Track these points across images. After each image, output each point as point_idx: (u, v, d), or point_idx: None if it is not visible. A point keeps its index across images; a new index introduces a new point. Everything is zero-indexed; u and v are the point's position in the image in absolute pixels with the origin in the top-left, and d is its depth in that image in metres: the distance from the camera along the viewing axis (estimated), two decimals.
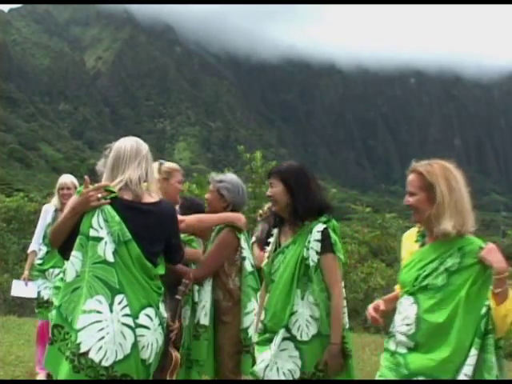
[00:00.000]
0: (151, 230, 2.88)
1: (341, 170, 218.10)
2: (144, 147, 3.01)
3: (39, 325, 5.50)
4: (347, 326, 3.22)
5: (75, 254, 2.81)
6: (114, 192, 2.86)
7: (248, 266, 3.76)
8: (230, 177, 3.97)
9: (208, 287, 3.75)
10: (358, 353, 7.22)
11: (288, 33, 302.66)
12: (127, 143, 2.98)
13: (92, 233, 2.80)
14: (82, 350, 2.69)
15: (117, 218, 2.81)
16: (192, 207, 3.92)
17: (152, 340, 2.82)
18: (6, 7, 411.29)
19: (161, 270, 2.95)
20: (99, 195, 2.82)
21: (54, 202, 5.71)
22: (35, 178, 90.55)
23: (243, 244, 3.79)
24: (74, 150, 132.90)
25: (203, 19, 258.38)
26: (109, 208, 2.83)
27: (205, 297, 3.73)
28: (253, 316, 3.65)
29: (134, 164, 2.92)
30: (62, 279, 3.51)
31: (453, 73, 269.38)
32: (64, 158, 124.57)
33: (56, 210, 5.59)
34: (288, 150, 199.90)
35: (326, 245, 3.08)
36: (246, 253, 3.77)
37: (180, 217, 3.41)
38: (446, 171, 2.94)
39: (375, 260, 13.91)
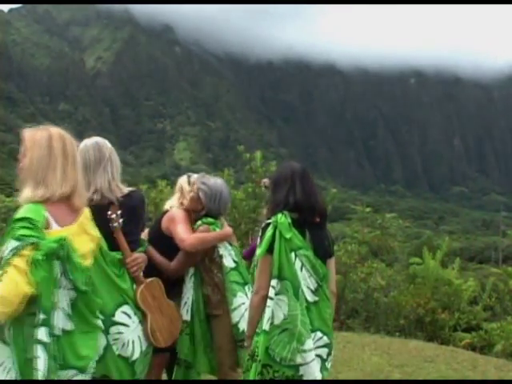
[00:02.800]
0: (122, 221, 2.96)
1: (341, 170, 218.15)
2: (106, 148, 3.08)
3: None
4: (264, 328, 3.00)
5: None
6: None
7: (228, 262, 3.79)
8: (214, 182, 3.93)
9: (190, 284, 3.78)
10: (358, 353, 7.21)
11: (288, 33, 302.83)
12: (89, 148, 3.05)
13: None
14: None
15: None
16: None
17: (133, 337, 2.81)
18: (6, 7, 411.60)
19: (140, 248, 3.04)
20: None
21: None
22: None
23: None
24: None
25: (203, 19, 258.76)
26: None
27: (187, 293, 3.76)
28: (241, 311, 3.69)
29: (100, 170, 3.01)
30: None
31: (453, 73, 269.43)
32: None
33: None
34: (288, 150, 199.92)
35: (260, 240, 3.12)
36: (222, 250, 3.81)
37: (182, 236, 3.66)
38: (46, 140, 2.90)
39: (375, 260, 13.89)
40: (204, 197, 3.86)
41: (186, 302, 3.75)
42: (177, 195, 4.07)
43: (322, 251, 3.22)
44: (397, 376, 6.16)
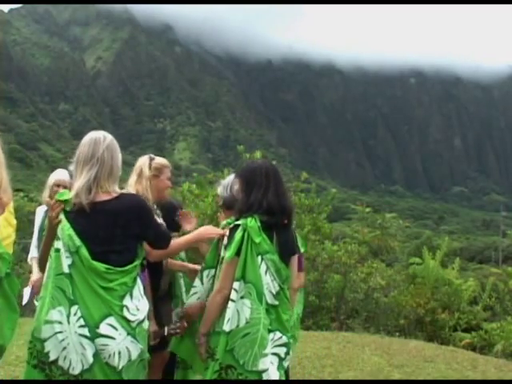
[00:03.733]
0: (103, 229, 2.78)
1: (341, 170, 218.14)
2: (101, 146, 2.88)
3: None
4: (224, 329, 3.02)
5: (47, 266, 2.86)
6: (66, 200, 2.81)
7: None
8: (229, 176, 3.89)
9: (181, 280, 3.80)
10: (358, 353, 7.21)
11: (288, 33, 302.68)
12: (85, 143, 2.91)
13: (55, 244, 2.81)
14: (51, 358, 2.71)
15: (66, 227, 2.77)
16: (165, 207, 3.72)
17: (120, 348, 2.73)
18: (6, 7, 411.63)
19: (130, 265, 2.82)
20: (54, 214, 2.82)
21: (46, 198, 4.87)
22: (35, 178, 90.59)
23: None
24: (74, 150, 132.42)
25: (203, 19, 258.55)
26: (63, 217, 2.80)
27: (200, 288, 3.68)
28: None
29: (86, 169, 2.85)
30: None
31: (453, 73, 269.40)
32: (64, 157, 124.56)
33: (47, 210, 4.71)
34: (288, 150, 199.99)
35: (228, 241, 3.13)
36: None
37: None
38: None
39: (375, 260, 13.91)
40: (219, 192, 3.84)
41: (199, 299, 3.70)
42: (133, 178, 3.64)
43: (287, 252, 3.23)
44: (397, 376, 6.16)
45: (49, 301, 2.75)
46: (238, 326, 3.01)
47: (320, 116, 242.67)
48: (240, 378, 3.01)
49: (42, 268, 3.04)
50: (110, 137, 2.93)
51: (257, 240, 3.06)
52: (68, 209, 2.82)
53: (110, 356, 2.72)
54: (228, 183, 3.77)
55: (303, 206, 11.35)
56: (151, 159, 3.66)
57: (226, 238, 3.17)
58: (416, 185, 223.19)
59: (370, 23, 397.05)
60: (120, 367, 2.75)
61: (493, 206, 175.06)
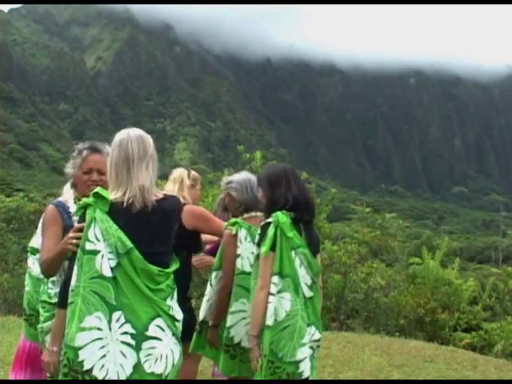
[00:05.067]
0: (153, 229, 2.66)
1: (341, 170, 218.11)
2: (149, 143, 2.78)
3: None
4: (268, 323, 3.10)
5: (74, 269, 2.65)
6: (105, 198, 2.63)
7: (240, 264, 3.68)
8: (238, 176, 3.90)
9: (217, 287, 3.84)
10: (358, 353, 7.22)
11: (288, 33, 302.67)
12: (133, 140, 2.73)
13: (88, 246, 2.59)
14: (86, 367, 2.54)
15: (114, 227, 2.59)
16: None
17: (166, 352, 2.64)
18: (6, 7, 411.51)
19: (173, 267, 2.76)
20: (74, 241, 2.65)
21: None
22: (35, 178, 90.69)
23: (241, 241, 3.71)
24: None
25: (203, 19, 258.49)
26: (104, 217, 2.60)
27: (212, 294, 3.83)
28: (238, 316, 3.65)
29: (143, 167, 2.68)
30: (48, 294, 3.28)
31: (452, 73, 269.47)
32: (64, 157, 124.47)
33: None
34: (288, 150, 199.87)
35: (261, 238, 3.21)
36: (240, 250, 3.69)
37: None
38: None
39: (375, 260, 13.92)
40: (236, 193, 3.82)
41: (211, 304, 3.80)
42: (173, 187, 3.95)
43: (314, 248, 3.36)
44: (397, 376, 6.16)
45: (84, 307, 2.56)
46: (276, 319, 3.11)
47: (320, 116, 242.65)
48: (277, 371, 3.10)
49: (48, 274, 2.98)
50: (146, 133, 2.85)
51: (290, 234, 3.18)
52: (106, 209, 2.61)
53: (156, 360, 2.61)
54: (245, 185, 3.81)
55: None
56: (189, 171, 4.06)
57: (257, 236, 3.27)
58: (416, 185, 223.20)
59: (370, 23, 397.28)
60: (167, 373, 2.64)
61: (493, 206, 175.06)
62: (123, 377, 2.56)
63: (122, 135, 2.76)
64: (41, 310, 3.36)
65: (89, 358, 2.55)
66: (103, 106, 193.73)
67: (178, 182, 3.96)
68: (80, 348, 2.55)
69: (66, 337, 2.62)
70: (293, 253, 3.19)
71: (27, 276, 3.69)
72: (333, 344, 7.74)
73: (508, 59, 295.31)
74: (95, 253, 2.58)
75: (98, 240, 2.59)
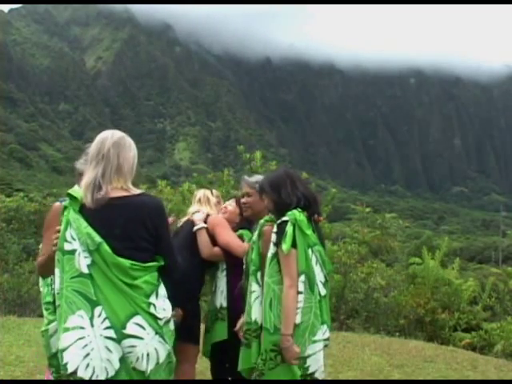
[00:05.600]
0: (122, 224, 2.68)
1: (341, 170, 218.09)
2: (107, 143, 2.79)
3: None
4: (296, 321, 3.13)
5: (56, 272, 2.67)
6: (75, 198, 2.70)
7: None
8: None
9: (223, 274, 3.99)
10: (358, 353, 7.22)
11: (288, 33, 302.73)
12: (94, 143, 2.84)
13: (66, 246, 2.64)
14: (70, 369, 2.54)
15: (83, 225, 2.64)
16: None
17: (148, 350, 2.60)
18: (6, 7, 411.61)
19: (152, 263, 2.73)
20: (54, 241, 2.69)
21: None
22: (35, 178, 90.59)
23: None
24: (74, 150, 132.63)
25: (203, 19, 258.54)
26: (76, 217, 2.66)
27: (220, 282, 3.98)
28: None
29: (91, 166, 2.76)
30: (52, 295, 3.25)
31: (452, 73, 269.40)
32: (64, 157, 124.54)
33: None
34: (288, 150, 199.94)
35: (279, 237, 3.20)
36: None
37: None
38: None
39: (375, 260, 13.92)
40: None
41: (222, 291, 3.97)
42: (200, 206, 4.18)
43: (324, 246, 3.42)
44: (397, 376, 6.16)
45: (67, 307, 2.58)
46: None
47: (320, 116, 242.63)
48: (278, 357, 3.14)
49: (44, 274, 3.03)
50: (119, 135, 2.84)
51: (308, 232, 3.21)
52: (77, 208, 2.69)
53: (138, 359, 2.58)
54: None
55: None
56: (211, 190, 4.39)
57: (273, 235, 3.27)
58: (416, 185, 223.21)
59: (370, 23, 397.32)
60: (148, 371, 2.62)
61: (493, 206, 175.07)
62: (112, 372, 2.54)
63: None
64: (45, 312, 3.25)
65: (72, 360, 2.54)
66: (103, 106, 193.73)
67: (205, 201, 4.20)
68: (64, 350, 2.55)
69: (58, 341, 2.64)
70: (310, 250, 3.22)
71: (40, 278, 3.65)
72: (333, 344, 7.72)
73: (508, 59, 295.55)
74: (73, 252, 2.62)
75: (74, 239, 2.64)
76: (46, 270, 2.87)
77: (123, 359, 2.57)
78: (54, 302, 3.16)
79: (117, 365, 2.55)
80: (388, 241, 16.18)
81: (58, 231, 2.68)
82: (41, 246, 3.67)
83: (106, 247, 2.61)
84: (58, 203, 3.07)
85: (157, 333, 2.64)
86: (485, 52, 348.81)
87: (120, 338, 2.56)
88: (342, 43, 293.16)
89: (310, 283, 3.18)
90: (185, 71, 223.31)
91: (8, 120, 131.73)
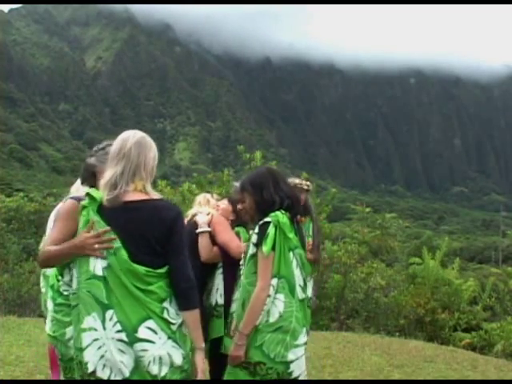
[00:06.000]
0: (140, 228, 2.64)
1: (341, 170, 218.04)
2: (129, 143, 2.75)
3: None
4: (255, 323, 3.08)
5: (73, 272, 2.69)
6: (94, 198, 2.67)
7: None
8: None
9: (219, 271, 4.04)
10: (358, 353, 7.22)
11: (288, 33, 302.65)
12: (116, 141, 2.80)
13: None
14: (90, 369, 2.58)
15: (102, 226, 2.63)
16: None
17: (161, 354, 2.58)
18: (6, 7, 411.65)
19: (165, 268, 2.69)
20: (96, 246, 2.60)
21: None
22: (35, 178, 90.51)
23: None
24: (74, 150, 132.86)
25: (203, 19, 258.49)
26: (95, 218, 2.64)
27: (216, 280, 4.03)
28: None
29: (112, 165, 2.72)
30: (64, 296, 3.09)
31: (452, 73, 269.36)
32: (64, 157, 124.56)
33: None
34: (288, 150, 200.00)
35: (260, 238, 3.12)
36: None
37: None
38: None
39: (375, 260, 13.92)
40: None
41: (217, 288, 4.00)
42: (200, 208, 4.23)
43: (305, 248, 3.33)
44: (397, 376, 6.16)
45: (83, 307, 2.60)
46: (267, 320, 3.05)
47: (320, 116, 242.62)
48: (269, 372, 3.04)
49: (43, 265, 2.88)
50: (141, 134, 2.81)
51: (290, 235, 3.14)
52: (95, 208, 2.66)
53: (149, 363, 2.57)
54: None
55: None
56: (211, 193, 4.53)
57: (254, 236, 3.20)
58: (416, 185, 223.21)
59: (370, 23, 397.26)
60: (161, 375, 2.59)
61: (493, 206, 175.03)
62: (126, 373, 2.55)
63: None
64: (57, 315, 3.10)
65: (91, 360, 2.57)
66: (103, 106, 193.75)
67: (205, 203, 4.28)
68: (84, 349, 2.59)
69: (74, 340, 2.66)
70: (291, 254, 3.15)
71: (42, 278, 3.55)
72: (333, 344, 7.74)
73: (508, 59, 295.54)
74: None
75: None
76: (54, 263, 2.79)
77: (136, 361, 2.57)
78: (65, 303, 3.02)
79: (130, 366, 2.56)
80: (388, 241, 16.18)
81: (99, 235, 2.62)
82: (45, 236, 3.54)
83: (123, 252, 2.60)
84: (73, 201, 2.93)
85: (169, 337, 2.62)
86: (485, 52, 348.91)
87: (132, 341, 2.56)
88: (342, 43, 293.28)
89: (291, 287, 3.12)
90: (185, 71, 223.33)
91: (8, 120, 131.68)
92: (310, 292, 4.34)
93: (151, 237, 2.65)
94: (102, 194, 2.68)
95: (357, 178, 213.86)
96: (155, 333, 2.59)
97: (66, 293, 2.97)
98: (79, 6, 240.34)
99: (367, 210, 16.90)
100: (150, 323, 2.59)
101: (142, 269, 2.60)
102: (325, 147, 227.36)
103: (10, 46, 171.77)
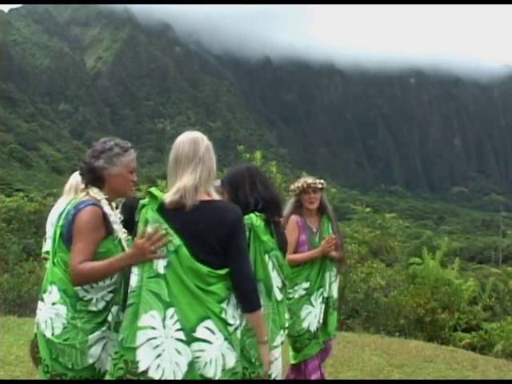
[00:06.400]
0: (205, 229, 2.65)
1: (341, 170, 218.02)
2: (202, 146, 2.77)
3: None
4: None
5: (133, 270, 2.67)
6: (156, 198, 2.67)
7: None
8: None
9: None
10: (358, 353, 7.21)
11: (288, 33, 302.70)
12: (186, 141, 2.77)
13: None
14: (142, 368, 2.54)
15: (163, 226, 2.63)
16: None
17: (216, 355, 2.58)
18: (6, 7, 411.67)
19: (226, 269, 2.69)
20: (152, 247, 2.60)
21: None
22: (35, 178, 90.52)
23: None
24: (74, 150, 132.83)
25: (203, 19, 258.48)
26: (156, 216, 2.65)
27: None
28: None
29: (189, 169, 2.71)
30: (83, 301, 2.90)
31: (452, 73, 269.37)
32: (64, 158, 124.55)
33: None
34: (288, 150, 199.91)
35: None
36: None
37: None
38: None
39: (375, 260, 13.90)
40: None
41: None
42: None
43: (284, 249, 3.32)
44: (397, 376, 6.16)
45: (140, 307, 2.58)
46: (246, 325, 2.96)
47: (320, 116, 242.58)
48: (252, 376, 3.05)
49: (82, 283, 2.80)
50: (206, 138, 2.86)
51: (264, 238, 3.14)
52: (156, 207, 2.65)
53: (206, 364, 2.56)
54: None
55: None
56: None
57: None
58: (416, 185, 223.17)
59: (370, 23, 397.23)
60: (216, 378, 2.58)
61: (493, 206, 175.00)
62: (179, 375, 2.53)
63: (180, 137, 2.81)
64: (76, 322, 2.84)
65: (145, 359, 2.53)
66: (103, 106, 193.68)
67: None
68: (137, 348, 2.55)
69: (122, 339, 2.61)
70: (266, 256, 3.14)
71: (59, 292, 3.17)
72: (333, 344, 7.73)
73: (508, 59, 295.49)
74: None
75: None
76: (100, 278, 2.77)
77: (191, 364, 2.55)
78: (88, 308, 2.88)
79: (184, 368, 2.53)
80: (388, 241, 16.15)
81: (152, 235, 2.61)
82: (46, 237, 3.40)
83: (184, 250, 2.60)
84: (95, 207, 2.87)
85: (226, 339, 2.61)
86: (485, 52, 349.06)
87: (190, 340, 2.55)
88: (342, 43, 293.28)
89: (267, 290, 3.13)
90: (185, 71, 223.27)
91: (8, 120, 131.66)
92: (334, 293, 4.48)
93: (212, 237, 2.65)
94: (170, 195, 2.66)
95: (357, 178, 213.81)
96: (213, 333, 2.57)
97: (85, 298, 2.86)
98: (79, 5, 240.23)
99: (367, 210, 16.88)
100: (209, 323, 2.57)
101: (204, 268, 2.60)
102: (325, 147, 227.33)
103: (10, 46, 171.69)
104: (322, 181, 4.61)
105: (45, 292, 2.93)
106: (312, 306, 4.31)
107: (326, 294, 4.36)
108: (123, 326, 2.64)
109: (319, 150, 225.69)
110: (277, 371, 3.17)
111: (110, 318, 2.89)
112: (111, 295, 2.87)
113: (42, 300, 2.94)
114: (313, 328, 4.31)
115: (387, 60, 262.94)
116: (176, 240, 2.61)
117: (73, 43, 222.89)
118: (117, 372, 2.58)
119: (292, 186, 4.65)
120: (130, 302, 2.64)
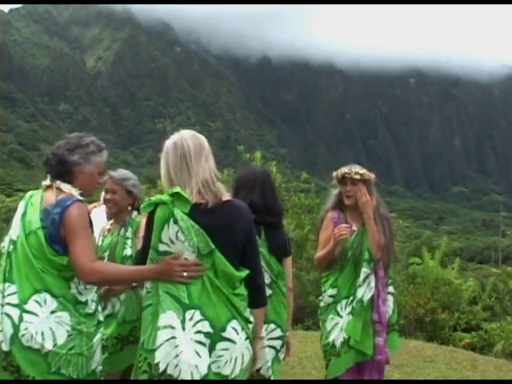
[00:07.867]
0: (229, 230, 2.60)
1: None
2: (203, 139, 2.84)
3: None
4: None
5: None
6: (188, 201, 2.56)
7: None
8: (128, 172, 3.88)
9: None
10: None
11: (288, 32, 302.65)
12: (187, 138, 2.75)
13: (161, 247, 2.56)
14: (162, 368, 2.49)
15: (195, 227, 2.53)
16: None
17: (237, 354, 2.57)
18: (6, 7, 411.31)
19: (245, 272, 2.66)
20: (185, 273, 2.52)
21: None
22: (35, 178, 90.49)
23: None
24: None
25: (203, 19, 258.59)
26: (186, 217, 2.54)
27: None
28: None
29: (202, 161, 2.71)
30: (83, 304, 2.84)
31: (452, 73, 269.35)
32: None
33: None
34: (288, 150, 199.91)
35: None
36: None
37: None
38: None
39: None
40: (135, 189, 3.82)
41: None
42: None
43: (278, 250, 3.41)
44: (397, 376, 6.15)
45: (158, 307, 2.54)
46: None
47: (320, 116, 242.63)
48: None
49: (109, 284, 2.88)
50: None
51: None
52: (186, 209, 2.56)
53: (226, 363, 2.55)
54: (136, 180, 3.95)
55: (303, 206, 11.38)
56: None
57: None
58: (416, 185, 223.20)
59: (370, 23, 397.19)
60: (232, 376, 2.56)
61: (493, 206, 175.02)
62: (197, 377, 2.49)
63: (174, 138, 2.77)
64: (82, 327, 2.73)
65: (164, 359, 2.49)
66: (103, 106, 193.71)
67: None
68: (156, 349, 2.51)
69: (144, 341, 2.56)
70: None
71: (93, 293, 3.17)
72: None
73: (508, 59, 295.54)
74: (166, 254, 2.55)
75: (172, 242, 2.55)
76: (119, 284, 2.87)
77: (210, 366, 2.52)
78: (87, 311, 2.81)
79: (204, 371, 2.50)
80: None
81: (189, 265, 2.58)
82: (83, 244, 3.12)
83: (218, 254, 2.55)
84: (81, 204, 2.75)
85: (247, 338, 2.62)
86: (485, 52, 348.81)
87: (216, 340, 2.52)
88: (342, 43, 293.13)
89: None
90: (185, 71, 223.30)
91: (8, 120, 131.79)
92: (365, 295, 3.81)
93: (239, 238, 2.63)
94: (193, 194, 2.59)
95: None
96: (237, 333, 2.58)
97: (82, 300, 2.75)
98: (79, 5, 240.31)
99: None
100: (235, 323, 2.57)
101: (237, 273, 2.60)
102: (325, 147, 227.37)
103: (10, 46, 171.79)
104: (361, 170, 3.98)
105: (25, 303, 2.63)
106: (339, 316, 3.86)
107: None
108: (143, 327, 2.58)
109: (319, 149, 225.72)
110: (262, 362, 3.12)
111: (101, 317, 2.85)
112: (96, 295, 2.83)
113: (27, 312, 2.62)
114: (338, 343, 3.84)
115: (387, 60, 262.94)
116: (210, 243, 2.54)
117: (73, 43, 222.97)
118: (142, 375, 2.53)
119: (333, 173, 4.14)
120: (147, 302, 2.58)
